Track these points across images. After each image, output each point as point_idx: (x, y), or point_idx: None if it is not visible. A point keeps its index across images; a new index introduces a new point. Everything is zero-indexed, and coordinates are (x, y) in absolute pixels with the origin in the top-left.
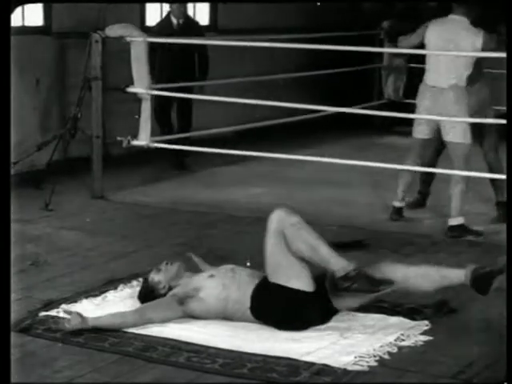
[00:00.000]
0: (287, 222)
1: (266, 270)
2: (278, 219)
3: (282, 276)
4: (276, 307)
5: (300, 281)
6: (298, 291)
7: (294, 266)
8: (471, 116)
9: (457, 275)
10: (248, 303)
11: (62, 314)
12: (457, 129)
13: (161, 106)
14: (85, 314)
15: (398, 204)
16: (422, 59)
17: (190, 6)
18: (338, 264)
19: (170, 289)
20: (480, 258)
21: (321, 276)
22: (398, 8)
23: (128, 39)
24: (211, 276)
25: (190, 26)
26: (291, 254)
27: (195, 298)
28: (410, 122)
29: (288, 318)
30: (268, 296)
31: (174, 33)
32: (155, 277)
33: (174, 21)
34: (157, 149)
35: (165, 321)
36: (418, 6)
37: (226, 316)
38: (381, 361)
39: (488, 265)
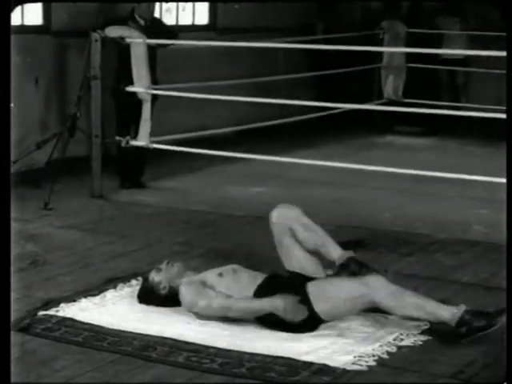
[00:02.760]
0: (384, 293)
1: (316, 285)
2: (373, 288)
3: (324, 304)
4: None
5: (330, 314)
6: (316, 314)
7: (343, 313)
8: None
9: (445, 312)
10: None
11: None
12: None
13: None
14: (84, 314)
15: None
16: None
17: (188, 5)
18: (448, 313)
19: (171, 289)
20: (479, 257)
21: None
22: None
23: (128, 40)
24: (220, 275)
25: (155, 26)
26: (357, 309)
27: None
28: (409, 121)
29: (290, 324)
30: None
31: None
32: (156, 277)
33: (141, 22)
34: (156, 149)
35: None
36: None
37: (227, 316)
38: (380, 360)
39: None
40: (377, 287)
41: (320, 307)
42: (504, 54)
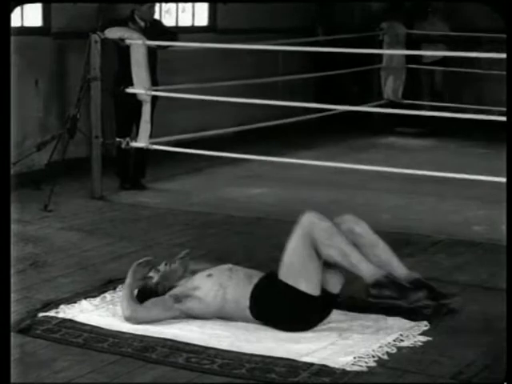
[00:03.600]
0: (318, 227)
1: (280, 267)
2: (309, 222)
3: (293, 276)
4: (277, 307)
5: (309, 284)
6: (303, 293)
7: (310, 269)
8: None
9: (366, 269)
10: (247, 303)
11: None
12: None
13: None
14: (84, 315)
15: None
16: None
17: (188, 6)
18: (369, 271)
19: (170, 289)
20: (479, 258)
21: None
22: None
23: (127, 42)
24: (209, 275)
25: (155, 28)
26: (313, 258)
27: (192, 296)
28: (409, 122)
29: (288, 319)
30: (268, 295)
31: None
32: (154, 278)
33: (141, 23)
34: (156, 150)
35: (161, 319)
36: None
37: (223, 315)
38: (380, 361)
39: (401, 283)
40: (311, 223)
41: (300, 285)
42: (504, 55)
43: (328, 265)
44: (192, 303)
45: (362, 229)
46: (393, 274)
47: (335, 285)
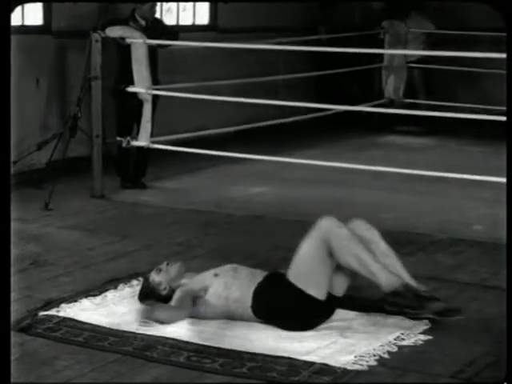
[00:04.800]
0: (336, 234)
1: (291, 267)
2: (327, 228)
3: (303, 279)
4: (281, 306)
5: (317, 289)
6: (310, 297)
7: (321, 274)
8: None
9: (384, 278)
10: (249, 302)
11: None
12: None
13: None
14: (85, 314)
15: None
16: None
17: (189, 5)
18: (387, 280)
19: (171, 289)
20: (479, 257)
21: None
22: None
23: (128, 40)
24: (216, 275)
25: (156, 26)
26: (327, 264)
27: (202, 298)
28: (409, 121)
29: (291, 319)
30: (272, 294)
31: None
32: (156, 277)
33: (142, 22)
34: (157, 149)
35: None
36: None
37: (227, 315)
38: (381, 360)
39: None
40: (329, 229)
41: (309, 289)
42: (499, 55)
43: (336, 268)
44: (201, 306)
45: (373, 236)
46: (410, 284)
47: (340, 288)
